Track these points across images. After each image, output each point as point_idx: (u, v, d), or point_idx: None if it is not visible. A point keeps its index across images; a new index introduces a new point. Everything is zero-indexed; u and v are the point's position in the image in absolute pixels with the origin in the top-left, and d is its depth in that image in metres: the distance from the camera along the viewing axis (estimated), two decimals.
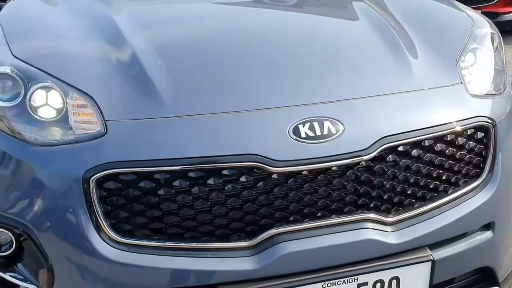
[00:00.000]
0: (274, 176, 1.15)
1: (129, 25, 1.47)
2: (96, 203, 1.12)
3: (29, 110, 1.22)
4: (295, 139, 1.16)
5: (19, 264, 1.25)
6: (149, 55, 1.33)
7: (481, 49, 1.51)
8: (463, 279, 1.43)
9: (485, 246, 1.39)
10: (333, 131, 1.18)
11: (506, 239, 1.46)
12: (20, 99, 1.24)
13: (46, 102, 1.23)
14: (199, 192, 1.13)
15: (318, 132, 1.17)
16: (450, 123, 1.27)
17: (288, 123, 1.17)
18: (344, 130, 1.18)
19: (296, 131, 1.16)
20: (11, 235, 1.22)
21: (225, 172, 1.14)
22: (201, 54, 1.39)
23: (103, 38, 1.40)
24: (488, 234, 1.39)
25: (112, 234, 1.14)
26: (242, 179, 1.14)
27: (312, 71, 1.34)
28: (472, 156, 1.33)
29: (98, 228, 1.13)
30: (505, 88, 1.49)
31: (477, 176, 1.36)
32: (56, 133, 1.20)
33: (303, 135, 1.16)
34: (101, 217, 1.13)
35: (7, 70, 1.28)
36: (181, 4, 1.84)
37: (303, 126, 1.17)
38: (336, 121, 1.19)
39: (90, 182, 1.11)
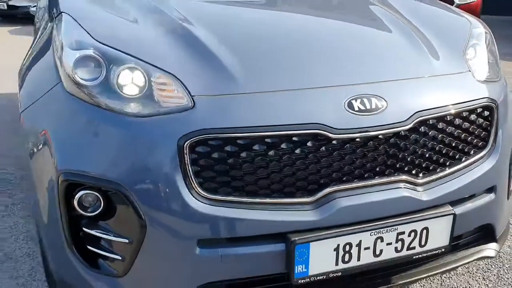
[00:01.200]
0: (334, 142, 1.39)
1: (194, 16, 1.69)
2: (189, 165, 1.33)
3: (116, 88, 1.41)
4: (350, 112, 1.41)
5: (106, 222, 1.43)
6: (219, 43, 1.55)
7: (479, 44, 1.83)
8: (469, 236, 1.72)
9: (489, 206, 1.68)
10: (379, 106, 1.44)
11: (503, 201, 1.76)
12: (102, 79, 1.43)
13: (132, 81, 1.42)
14: (273, 155, 1.36)
15: (368, 107, 1.42)
16: (466, 102, 1.57)
17: (343, 98, 1.42)
18: (387, 105, 1.45)
19: (350, 105, 1.42)
20: (100, 196, 1.40)
21: (294, 138, 1.37)
22: (264, 42, 1.64)
23: (173, 27, 1.61)
24: (491, 195, 1.68)
25: (200, 191, 1.34)
26: (308, 144, 1.38)
27: (360, 58, 1.61)
28: (480, 130, 1.63)
29: (189, 186, 1.33)
30: (501, 77, 1.81)
31: (483, 147, 1.65)
32: (144, 106, 1.40)
33: (356, 108, 1.41)
34: (192, 177, 1.33)
35: (90, 52, 1.47)
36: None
37: (356, 101, 1.42)
38: (381, 98, 1.45)
39: (184, 147, 1.32)
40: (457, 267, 1.72)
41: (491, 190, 1.68)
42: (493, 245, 1.75)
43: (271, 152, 1.36)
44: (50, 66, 1.60)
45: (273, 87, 1.43)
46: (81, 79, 1.44)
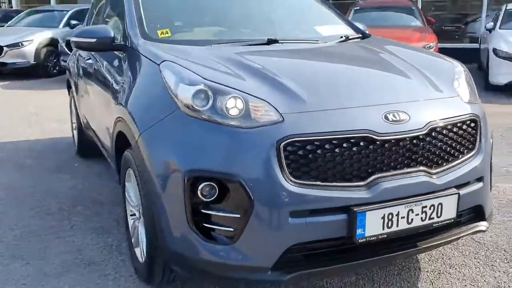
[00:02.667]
0: (377, 142, 2.03)
1: (267, 63, 2.35)
2: (283, 159, 1.93)
3: (224, 111, 2.02)
4: (386, 121, 2.06)
5: (220, 204, 1.99)
6: (290, 79, 2.20)
7: (460, 78, 2.54)
8: (467, 215, 2.35)
9: (479, 191, 2.33)
10: (405, 118, 2.09)
11: (488, 189, 2.42)
12: (210, 105, 2.04)
13: (235, 105, 2.04)
14: (338, 151, 1.98)
15: (397, 118, 2.08)
16: (460, 115, 2.25)
17: (381, 113, 2.08)
18: (409, 118, 2.11)
19: (386, 117, 2.07)
20: (215, 185, 1.98)
21: (351, 139, 2.00)
22: (321, 77, 2.32)
23: (254, 70, 2.26)
24: (480, 184, 2.33)
25: (291, 177, 1.94)
26: (361, 143, 2.01)
27: (388, 87, 2.30)
28: (470, 136, 2.30)
29: (284, 174, 1.93)
30: (478, 101, 2.51)
31: (472, 148, 2.32)
32: (244, 122, 2.00)
33: (390, 119, 2.07)
34: (285, 167, 1.94)
35: (202, 87, 2.09)
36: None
37: (389, 115, 2.08)
38: (405, 113, 2.11)
39: (279, 147, 1.93)
40: (460, 237, 2.35)
41: (480, 179, 2.34)
42: (484, 223, 2.39)
43: (337, 149, 1.98)
44: (162, 98, 2.20)
45: (334, 106, 2.08)
46: (196, 106, 2.05)
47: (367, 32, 3.39)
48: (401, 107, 2.14)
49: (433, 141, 2.15)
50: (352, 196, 2.00)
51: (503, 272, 2.64)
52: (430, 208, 2.12)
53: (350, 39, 3.21)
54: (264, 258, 1.98)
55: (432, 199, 2.11)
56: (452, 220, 2.19)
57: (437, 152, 2.17)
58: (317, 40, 3.11)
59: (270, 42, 2.86)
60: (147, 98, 2.36)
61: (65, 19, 11.44)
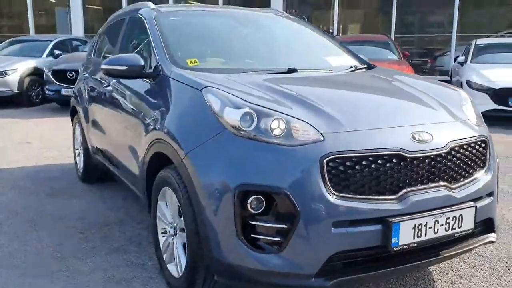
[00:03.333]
0: (407, 159, 2.26)
1: (292, 88, 2.58)
2: (326, 173, 2.14)
3: (269, 131, 2.22)
4: (414, 141, 2.30)
5: (267, 216, 2.17)
6: (325, 104, 2.43)
7: (467, 104, 2.83)
8: (480, 227, 2.59)
9: (490, 205, 2.58)
10: (429, 138, 2.34)
11: (496, 203, 2.67)
12: (254, 126, 2.25)
13: (278, 126, 2.25)
14: (373, 167, 2.20)
15: (423, 138, 2.32)
16: (473, 136, 2.52)
17: (409, 133, 2.32)
18: (433, 138, 2.35)
19: (413, 137, 2.31)
20: (263, 198, 2.16)
21: (385, 157, 2.23)
22: (353, 102, 2.55)
23: (292, 96, 2.49)
24: (491, 198, 2.59)
25: (332, 190, 2.14)
26: (393, 160, 2.24)
27: (413, 111, 2.57)
28: (481, 154, 2.57)
29: (327, 187, 2.13)
30: (485, 125, 2.79)
31: (483, 166, 2.58)
32: (286, 141, 2.21)
33: (416, 139, 2.31)
34: (328, 181, 2.14)
35: (247, 109, 2.29)
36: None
37: (416, 135, 2.32)
38: (429, 133, 2.36)
39: (323, 163, 2.14)
40: (475, 247, 2.57)
41: (490, 194, 2.59)
42: (493, 234, 2.63)
43: (372, 165, 2.20)
44: (206, 120, 2.39)
45: (367, 127, 2.31)
46: (243, 126, 2.24)
47: (370, 63, 3.67)
48: (424, 128, 2.39)
49: (453, 159, 2.40)
50: (386, 208, 2.21)
51: (509, 281, 2.88)
52: (452, 220, 2.34)
53: (358, 69, 3.49)
54: (309, 266, 2.15)
55: (454, 211, 2.34)
56: (470, 231, 2.43)
57: (456, 169, 2.42)
58: (330, 70, 3.38)
59: (290, 71, 3.10)
60: (189, 121, 2.54)
61: (48, 49, 11.53)
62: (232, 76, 2.83)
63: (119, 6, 15.12)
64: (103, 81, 3.93)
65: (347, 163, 2.17)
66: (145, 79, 3.12)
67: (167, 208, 2.76)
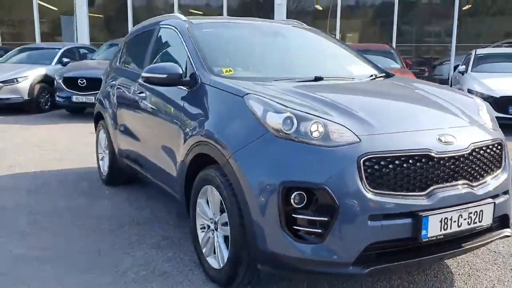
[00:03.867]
0: (435, 159, 2.50)
1: (324, 94, 2.84)
2: (362, 172, 2.37)
3: (309, 134, 2.46)
4: (440, 142, 2.54)
5: (308, 210, 2.40)
6: (359, 109, 2.67)
7: (483, 110, 3.08)
8: (496, 222, 2.83)
9: (506, 202, 2.81)
10: (453, 140, 2.59)
11: (511, 201, 2.92)
12: (295, 129, 2.48)
13: (317, 129, 2.49)
14: (404, 166, 2.44)
15: (448, 140, 2.57)
16: (491, 139, 2.77)
17: (436, 135, 2.56)
18: (456, 140, 2.60)
19: (439, 139, 2.55)
20: (305, 194, 2.39)
21: (415, 157, 2.46)
22: (384, 108, 2.80)
23: (328, 102, 2.73)
24: (506, 196, 2.82)
25: (368, 187, 2.38)
26: (422, 160, 2.48)
27: (437, 116, 2.81)
28: (498, 156, 2.81)
29: (363, 183, 2.36)
30: (499, 129, 3.04)
31: (500, 166, 2.83)
32: (324, 142, 2.45)
33: (442, 141, 2.55)
34: (364, 178, 2.38)
35: (288, 114, 2.53)
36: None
37: (441, 137, 2.56)
38: (452, 136, 2.61)
39: (360, 162, 2.37)
40: (492, 241, 2.80)
41: (506, 192, 2.83)
42: (508, 230, 2.86)
43: (404, 164, 2.44)
44: (249, 123, 2.63)
45: (397, 130, 2.56)
46: (285, 129, 2.48)
47: (389, 72, 3.93)
48: (448, 131, 2.64)
49: (474, 160, 2.64)
50: (416, 203, 2.44)
51: None
52: (474, 214, 2.58)
53: (378, 77, 3.74)
54: (347, 255, 2.38)
55: (475, 207, 2.58)
56: (489, 225, 2.67)
57: (476, 169, 2.66)
58: (352, 78, 3.63)
59: (317, 79, 3.35)
60: (232, 125, 2.77)
61: (57, 57, 11.76)
62: (267, 84, 3.07)
63: (123, 16, 15.41)
64: (136, 89, 4.15)
65: (382, 162, 2.41)
66: (181, 86, 3.35)
67: (208, 205, 2.98)
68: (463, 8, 14.04)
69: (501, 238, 2.86)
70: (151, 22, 4.56)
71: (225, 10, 15.20)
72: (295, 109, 2.57)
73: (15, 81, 10.50)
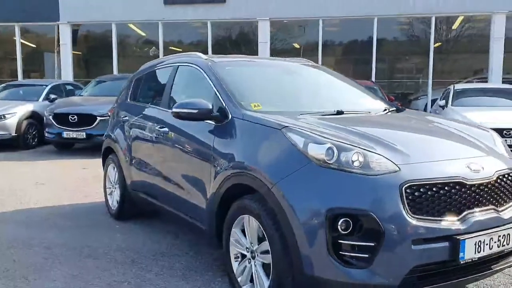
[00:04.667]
0: (467, 186, 2.69)
1: (354, 127, 3.03)
2: (404, 198, 2.54)
3: (350, 163, 2.62)
4: (470, 170, 2.74)
5: (355, 236, 2.53)
6: (392, 141, 2.86)
7: (497, 140, 3.32)
8: None
9: None
10: (480, 168, 2.78)
11: None
12: (335, 159, 2.65)
13: (357, 159, 2.65)
14: (441, 193, 2.61)
15: (476, 168, 2.76)
16: (511, 167, 2.99)
17: (466, 164, 2.76)
18: (483, 168, 2.80)
19: (469, 167, 2.75)
20: (350, 220, 2.53)
21: (450, 184, 2.65)
22: (402, 137, 3.02)
23: (352, 132, 2.92)
24: None
25: (410, 212, 2.54)
26: (456, 187, 2.66)
27: (464, 147, 3.03)
28: None
29: (406, 209, 2.52)
30: None
31: None
32: (365, 171, 2.61)
33: (472, 169, 2.75)
34: (406, 204, 2.54)
35: (329, 145, 2.69)
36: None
37: (470, 165, 2.76)
38: (479, 164, 2.81)
39: (402, 189, 2.54)
40: None
41: None
42: None
43: (441, 191, 2.62)
44: (290, 154, 2.78)
45: (430, 159, 2.76)
46: (327, 160, 2.64)
47: (399, 106, 4.16)
48: (475, 161, 2.84)
49: (499, 186, 2.84)
50: (453, 228, 2.61)
51: None
52: (502, 238, 2.76)
53: (390, 111, 3.96)
54: (393, 278, 2.52)
55: (503, 230, 2.77)
56: None
57: (501, 194, 2.86)
58: (369, 112, 3.83)
59: (339, 113, 3.54)
60: (271, 156, 2.91)
61: (44, 93, 11.74)
62: (295, 117, 3.23)
63: (107, 54, 15.55)
64: (156, 123, 4.25)
65: (421, 190, 2.58)
66: (209, 121, 3.48)
67: (243, 234, 3.08)
68: (434, 46, 14.75)
69: None
70: (168, 61, 4.71)
71: (210, 48, 15.51)
72: (335, 140, 2.73)
73: (2, 117, 10.43)
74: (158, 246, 4.30)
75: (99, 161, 5.90)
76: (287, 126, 2.93)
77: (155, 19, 15.52)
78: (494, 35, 13.94)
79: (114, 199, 5.25)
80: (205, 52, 14.11)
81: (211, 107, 3.43)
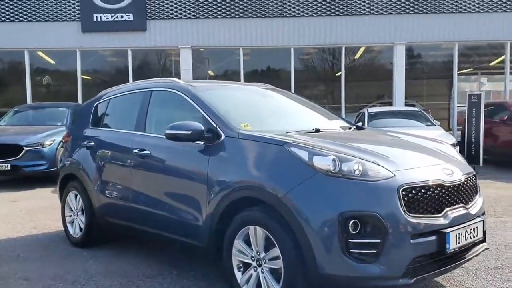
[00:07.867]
0: (445, 187, 3.17)
1: (341, 141, 3.42)
2: (401, 199, 2.95)
3: (352, 171, 3.00)
4: (446, 174, 3.23)
5: (363, 234, 2.89)
6: (381, 152, 3.28)
7: (453, 150, 3.90)
8: (480, 237, 3.55)
9: (484, 221, 3.58)
10: (451, 173, 3.29)
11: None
12: (338, 168, 3.02)
13: (357, 168, 3.04)
14: (427, 194, 3.06)
15: (449, 173, 3.27)
16: (471, 171, 3.54)
17: (440, 169, 3.26)
18: (453, 172, 3.32)
19: (445, 172, 3.25)
20: (358, 221, 2.90)
21: (433, 185, 3.11)
22: (382, 149, 3.44)
23: (343, 145, 3.31)
24: (484, 216, 3.58)
25: (406, 211, 2.95)
26: (438, 188, 3.13)
27: (428, 153, 3.56)
28: (475, 184, 3.59)
29: (403, 208, 2.93)
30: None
31: (477, 192, 3.60)
32: (364, 178, 3.00)
33: (447, 173, 3.25)
34: (403, 204, 2.95)
35: (333, 157, 3.06)
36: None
37: (445, 170, 3.26)
38: (451, 170, 3.32)
39: (400, 191, 2.96)
40: (480, 252, 3.50)
41: (484, 213, 3.59)
42: (485, 244, 3.60)
43: (428, 192, 3.07)
44: (296, 167, 3.10)
45: (413, 166, 3.22)
46: (332, 169, 3.00)
47: (359, 125, 4.66)
48: (446, 166, 3.36)
49: (465, 187, 3.37)
50: (439, 223, 3.07)
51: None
52: (472, 230, 3.28)
53: (353, 128, 4.44)
54: (397, 269, 2.90)
55: (473, 224, 3.29)
56: (481, 239, 3.38)
57: (467, 194, 3.39)
58: (339, 129, 4.27)
59: (317, 130, 3.92)
60: (276, 169, 3.20)
61: None
62: (285, 135, 3.55)
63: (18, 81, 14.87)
64: (134, 147, 4.33)
65: (413, 191, 3.02)
66: (199, 141, 3.69)
67: (247, 244, 3.31)
68: (336, 75, 16.04)
69: (483, 250, 3.58)
70: (136, 86, 4.83)
71: (130, 75, 15.42)
72: (336, 152, 3.10)
73: None
74: (142, 269, 4.31)
75: (28, 193, 5.68)
76: (288, 142, 3.25)
77: (72, 47, 15.17)
78: (396, 63, 15.40)
79: (76, 227, 5.17)
80: (126, 80, 14.07)
81: (203, 128, 3.65)
